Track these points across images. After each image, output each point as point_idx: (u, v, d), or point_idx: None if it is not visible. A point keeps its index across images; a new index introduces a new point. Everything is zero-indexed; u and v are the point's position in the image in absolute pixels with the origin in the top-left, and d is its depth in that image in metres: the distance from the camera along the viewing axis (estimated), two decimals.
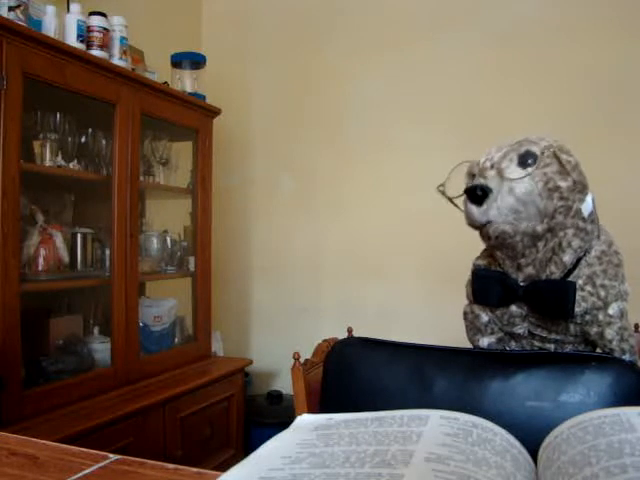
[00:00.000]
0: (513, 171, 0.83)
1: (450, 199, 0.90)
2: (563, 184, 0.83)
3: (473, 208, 0.85)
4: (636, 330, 1.47)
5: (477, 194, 0.83)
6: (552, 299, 0.85)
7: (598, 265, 0.87)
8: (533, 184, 0.82)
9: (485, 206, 0.83)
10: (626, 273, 0.93)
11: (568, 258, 0.86)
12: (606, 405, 0.70)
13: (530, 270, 0.87)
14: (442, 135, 2.40)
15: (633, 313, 0.93)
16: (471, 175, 0.89)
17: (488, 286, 0.91)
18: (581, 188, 0.86)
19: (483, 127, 2.27)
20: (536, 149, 0.84)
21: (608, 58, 2.17)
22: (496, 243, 0.87)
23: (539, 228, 0.84)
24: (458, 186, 0.91)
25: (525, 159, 0.84)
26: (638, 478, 0.34)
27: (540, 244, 0.85)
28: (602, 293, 0.85)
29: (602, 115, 2.17)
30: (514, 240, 0.84)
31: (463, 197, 0.87)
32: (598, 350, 0.89)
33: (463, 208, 0.89)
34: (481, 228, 0.86)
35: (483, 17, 2.35)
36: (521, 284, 0.88)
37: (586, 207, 0.87)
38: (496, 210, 0.82)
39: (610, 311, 0.85)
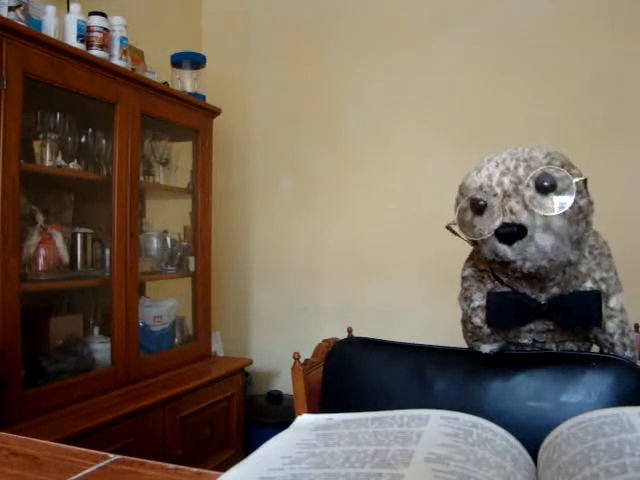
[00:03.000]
0: (539, 202, 0.75)
1: (459, 236, 0.84)
2: (582, 202, 0.78)
3: (505, 248, 0.77)
4: (636, 330, 1.47)
5: (514, 234, 0.75)
6: (580, 311, 0.81)
7: (592, 260, 0.86)
8: (563, 214, 0.76)
9: (518, 244, 0.76)
10: (626, 273, 0.93)
11: (589, 284, 0.84)
12: (607, 405, 0.70)
13: (555, 290, 0.83)
14: (442, 135, 2.40)
15: (633, 313, 0.93)
16: (474, 203, 0.80)
17: (506, 311, 0.84)
18: (591, 201, 0.81)
19: (483, 127, 2.28)
20: (552, 170, 0.77)
21: (607, 58, 2.17)
22: (524, 276, 0.80)
23: (572, 257, 0.79)
24: (450, 194, 0.89)
25: (541, 182, 0.76)
26: (638, 478, 0.34)
27: (569, 268, 0.82)
28: (603, 286, 0.85)
29: (601, 115, 2.17)
30: (549, 273, 0.79)
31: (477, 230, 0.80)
32: (598, 346, 0.89)
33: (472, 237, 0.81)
34: (509, 263, 0.78)
35: (482, 17, 2.35)
36: (543, 302, 0.83)
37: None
38: (534, 248, 0.75)
39: (611, 304, 0.85)
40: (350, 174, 2.58)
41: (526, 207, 0.76)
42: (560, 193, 0.76)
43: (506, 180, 0.78)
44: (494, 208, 0.78)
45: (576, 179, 0.77)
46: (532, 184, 0.76)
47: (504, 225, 0.76)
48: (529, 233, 0.75)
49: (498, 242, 0.77)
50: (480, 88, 2.35)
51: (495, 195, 0.78)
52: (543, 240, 0.75)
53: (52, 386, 1.57)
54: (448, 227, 0.85)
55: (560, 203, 0.76)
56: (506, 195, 0.77)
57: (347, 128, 2.59)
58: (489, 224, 0.78)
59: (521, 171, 0.78)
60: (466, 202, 0.82)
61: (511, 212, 0.76)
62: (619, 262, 0.91)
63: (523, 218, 0.75)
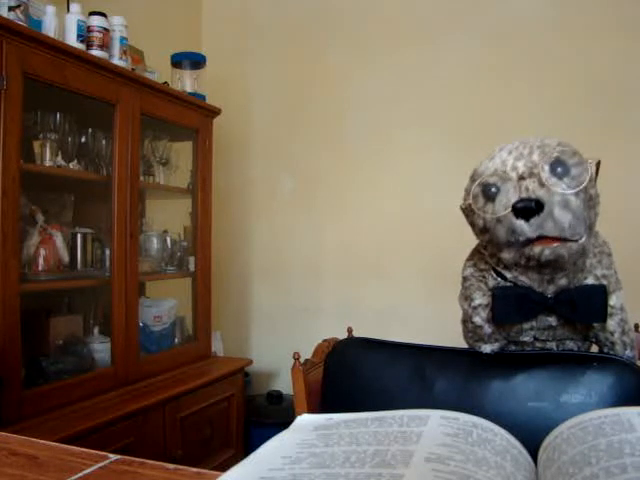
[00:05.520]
0: (555, 182, 0.75)
1: (472, 217, 0.83)
2: (592, 191, 0.78)
3: (522, 224, 0.75)
4: (636, 330, 1.47)
5: (532, 208, 0.74)
6: (586, 305, 0.80)
7: (593, 257, 0.86)
8: (578, 195, 0.75)
9: (536, 220, 0.74)
10: (626, 273, 0.93)
11: (590, 280, 0.84)
12: (607, 405, 0.70)
13: (563, 282, 0.82)
14: (442, 135, 2.40)
15: (633, 313, 0.93)
16: (487, 189, 0.80)
17: (513, 305, 0.82)
18: (598, 194, 0.81)
19: (483, 127, 2.28)
20: (566, 156, 0.77)
21: (607, 58, 2.17)
22: (538, 265, 0.78)
23: (586, 244, 0.78)
24: (458, 190, 0.89)
25: (556, 167, 0.76)
26: (638, 478, 0.34)
27: (580, 259, 0.81)
28: (604, 283, 0.85)
29: (601, 115, 2.17)
30: (565, 263, 0.78)
31: (493, 213, 0.79)
32: (598, 346, 0.89)
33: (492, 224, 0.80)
34: (523, 247, 0.77)
35: (483, 18, 2.35)
36: (549, 295, 0.82)
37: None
38: (552, 223, 0.74)
39: (611, 302, 0.84)
40: (350, 174, 2.58)
41: (542, 185, 0.75)
42: (574, 178, 0.76)
43: (520, 164, 0.78)
44: (509, 190, 0.78)
45: (590, 162, 0.77)
46: (547, 168, 0.76)
47: (521, 200, 0.75)
48: (547, 208, 0.74)
49: (515, 218, 0.76)
50: (480, 88, 2.35)
51: (509, 179, 0.78)
52: (561, 216, 0.74)
53: (52, 386, 1.57)
54: (461, 208, 0.85)
55: (575, 184, 0.76)
56: (521, 178, 0.77)
57: (347, 128, 2.59)
58: (505, 203, 0.77)
59: (535, 157, 0.78)
60: (478, 187, 0.81)
61: (527, 190, 0.76)
62: (620, 261, 0.91)
63: (540, 193, 0.75)
